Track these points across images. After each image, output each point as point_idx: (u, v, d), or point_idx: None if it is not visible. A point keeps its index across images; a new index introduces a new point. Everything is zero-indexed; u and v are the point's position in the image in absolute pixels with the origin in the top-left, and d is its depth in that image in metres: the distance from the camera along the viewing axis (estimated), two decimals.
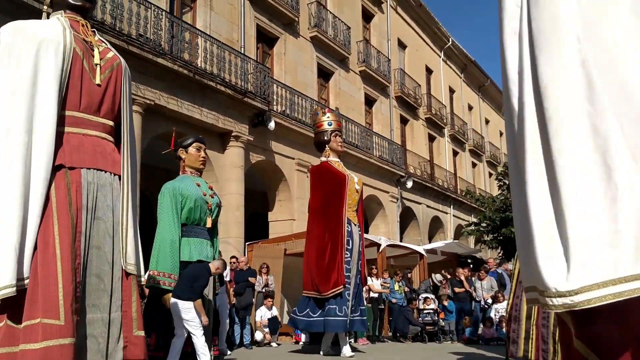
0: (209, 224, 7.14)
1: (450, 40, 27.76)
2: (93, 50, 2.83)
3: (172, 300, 5.95)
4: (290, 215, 15.68)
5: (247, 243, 13.05)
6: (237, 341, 9.78)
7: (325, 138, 6.86)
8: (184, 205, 6.73)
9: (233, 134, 13.33)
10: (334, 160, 6.83)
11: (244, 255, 12.03)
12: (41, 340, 2.43)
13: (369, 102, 21.37)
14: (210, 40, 13.02)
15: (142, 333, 2.82)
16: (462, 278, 11.86)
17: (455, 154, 28.76)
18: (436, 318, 11.46)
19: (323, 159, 6.82)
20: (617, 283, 1.33)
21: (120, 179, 2.89)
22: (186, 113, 12.07)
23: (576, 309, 1.37)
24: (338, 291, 6.26)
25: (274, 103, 15.07)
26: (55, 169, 2.65)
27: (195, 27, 13.18)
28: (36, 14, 9.96)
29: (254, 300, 10.27)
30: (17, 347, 2.47)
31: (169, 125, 10.66)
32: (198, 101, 12.40)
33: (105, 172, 2.84)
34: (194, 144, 7.39)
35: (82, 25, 2.87)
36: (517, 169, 1.61)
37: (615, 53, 1.47)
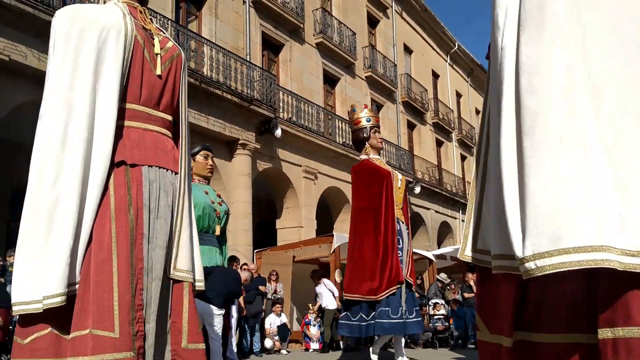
0: (217, 232, 7.11)
1: (456, 44, 27.74)
2: (153, 39, 2.61)
3: (202, 303, 5.98)
4: (298, 222, 15.65)
5: (255, 250, 13.03)
6: (247, 349, 9.75)
7: (365, 135, 6.62)
8: None
9: (240, 141, 13.34)
10: (374, 157, 6.64)
11: (253, 262, 12.01)
12: (91, 354, 2.22)
13: (376, 107, 21.36)
14: (216, 49, 13.06)
15: (194, 346, 2.53)
16: (472, 283, 11.77)
17: (463, 158, 28.68)
18: (447, 324, 11.37)
19: (363, 156, 6.61)
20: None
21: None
22: (192, 122, 12.08)
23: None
24: (392, 291, 6.02)
25: (280, 110, 15.08)
26: (114, 165, 2.44)
27: (200, 36, 13.23)
28: (37, 23, 9.91)
29: (263, 307, 10.24)
30: (65, 359, 2.29)
31: None
32: (204, 109, 12.43)
33: (167, 170, 2.63)
34: (201, 152, 7.39)
35: (140, 12, 2.65)
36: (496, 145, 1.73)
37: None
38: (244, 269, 9.75)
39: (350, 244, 6.52)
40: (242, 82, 13.48)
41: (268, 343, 9.97)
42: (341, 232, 12.10)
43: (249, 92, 13.55)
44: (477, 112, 31.15)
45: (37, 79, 10.43)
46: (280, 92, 15.37)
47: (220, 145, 12.86)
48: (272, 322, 10.16)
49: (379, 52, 21.50)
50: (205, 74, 12.49)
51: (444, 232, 25.15)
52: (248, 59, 14.29)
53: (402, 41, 23.58)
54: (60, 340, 2.33)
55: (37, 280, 2.30)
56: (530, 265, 1.51)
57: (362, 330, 6.10)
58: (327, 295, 10.66)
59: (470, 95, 30.34)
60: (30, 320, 2.35)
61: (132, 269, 2.37)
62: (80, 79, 2.38)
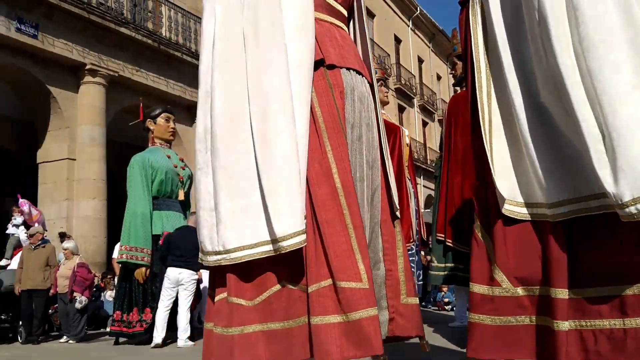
0: (181, 197, 6.95)
1: (418, 9, 27.57)
2: None
3: (182, 271, 5.92)
4: None
5: None
6: None
7: None
8: (154, 178, 6.51)
9: None
10: (381, 112, 6.42)
11: None
12: (344, 312, 1.76)
13: None
14: (175, 9, 12.56)
15: (413, 301, 2.08)
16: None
17: (424, 124, 28.83)
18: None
19: None
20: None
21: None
22: (152, 85, 11.69)
23: None
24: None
25: None
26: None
27: None
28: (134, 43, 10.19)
29: None
30: (251, 325, 1.88)
31: (134, 97, 10.30)
32: (163, 72, 12.02)
33: (362, 75, 2.21)
34: (163, 115, 7.15)
35: None
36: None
37: None
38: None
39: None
40: None
41: None
42: None
43: None
44: (439, 77, 31.27)
45: (132, 89, 11.01)
46: None
47: (180, 110, 12.49)
48: None
49: None
50: (164, 35, 12.03)
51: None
52: None
53: (365, 5, 23.24)
54: (298, 295, 1.88)
55: (256, 220, 1.89)
56: (631, 209, 1.51)
57: None
58: None
59: (432, 61, 30.36)
60: (252, 273, 1.94)
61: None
62: None
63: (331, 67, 2.07)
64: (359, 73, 2.16)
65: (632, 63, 1.57)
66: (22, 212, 8.85)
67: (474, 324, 1.84)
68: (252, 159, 1.92)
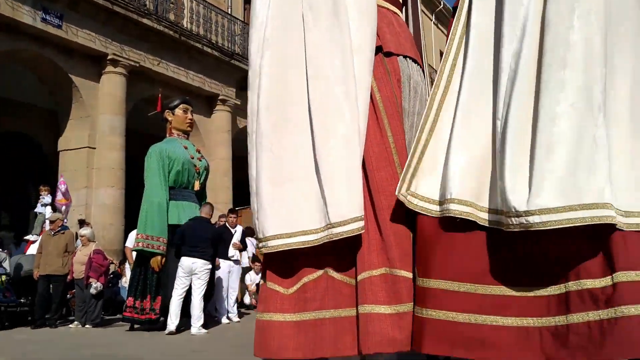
0: (197, 187, 7.05)
1: (441, 3, 27.33)
2: None
3: (195, 260, 6.02)
4: None
5: (236, 208, 12.94)
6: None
7: None
8: (171, 168, 6.60)
9: (220, 97, 13.09)
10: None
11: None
12: (407, 300, 1.73)
13: None
14: (197, 1, 12.64)
15: None
16: None
17: None
18: None
19: None
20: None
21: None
22: (172, 76, 11.80)
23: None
24: None
25: None
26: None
27: None
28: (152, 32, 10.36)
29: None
30: (283, 314, 1.85)
31: (154, 88, 10.42)
32: (184, 63, 12.12)
33: (417, 64, 2.14)
34: (181, 106, 7.24)
35: None
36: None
37: None
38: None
39: None
40: (223, 35, 13.13)
41: (247, 299, 10.01)
42: None
43: (230, 46, 13.23)
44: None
45: (153, 80, 11.27)
46: None
47: (199, 101, 12.60)
48: (252, 278, 10.16)
49: None
50: (185, 26, 12.12)
51: None
52: (229, 12, 13.88)
53: None
54: (338, 286, 1.83)
55: (300, 207, 1.83)
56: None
57: None
58: None
59: None
60: (288, 260, 1.88)
61: None
62: None
63: (389, 54, 2.02)
64: (414, 61, 2.12)
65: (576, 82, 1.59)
66: (58, 190, 9.08)
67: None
68: (304, 143, 1.85)
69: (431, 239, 1.74)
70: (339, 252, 1.82)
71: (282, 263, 1.89)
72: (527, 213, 1.55)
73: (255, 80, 1.98)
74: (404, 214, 1.81)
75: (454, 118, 1.79)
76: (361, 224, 1.73)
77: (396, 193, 1.79)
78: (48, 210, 8.83)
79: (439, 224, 1.74)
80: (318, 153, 1.81)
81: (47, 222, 7.94)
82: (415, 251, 1.80)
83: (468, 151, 1.74)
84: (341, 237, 1.73)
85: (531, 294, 1.64)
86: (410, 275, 1.77)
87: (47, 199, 9.07)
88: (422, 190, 1.78)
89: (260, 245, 1.89)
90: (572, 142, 1.56)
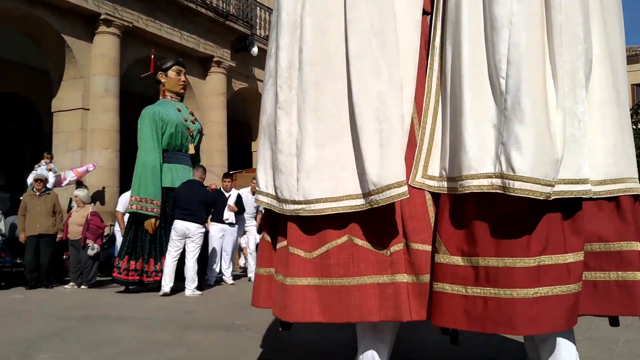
0: (191, 150, 7.03)
1: None
2: None
3: (189, 224, 6.06)
4: None
5: (231, 172, 12.96)
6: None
7: None
8: (164, 131, 6.58)
9: (214, 59, 12.92)
10: None
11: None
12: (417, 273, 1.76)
13: None
14: None
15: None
16: None
17: None
18: None
19: None
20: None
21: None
22: (165, 36, 11.62)
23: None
24: None
25: (257, 27, 14.56)
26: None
27: None
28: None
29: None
30: (306, 278, 1.83)
31: (148, 49, 10.27)
32: (178, 24, 11.92)
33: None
34: (174, 67, 7.16)
35: None
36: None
37: None
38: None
39: None
40: None
41: (242, 261, 10.10)
42: None
43: (224, 6, 12.99)
44: None
45: (147, 40, 11.00)
46: (258, 8, 14.77)
47: (194, 62, 12.45)
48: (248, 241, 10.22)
49: None
50: None
51: None
52: None
53: None
54: (363, 253, 1.80)
55: (345, 171, 1.79)
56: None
57: None
58: None
59: None
60: (314, 225, 1.83)
61: None
62: None
63: (427, 12, 1.95)
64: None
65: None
66: (86, 168, 9.31)
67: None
68: (347, 103, 1.78)
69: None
70: (365, 221, 1.79)
71: (303, 227, 1.86)
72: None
73: (295, 31, 1.86)
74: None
75: (461, 93, 1.76)
76: (404, 189, 1.67)
77: (409, 182, 1.79)
78: (50, 175, 8.86)
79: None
80: (355, 113, 1.74)
81: (31, 181, 7.83)
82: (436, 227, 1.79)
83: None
84: (383, 204, 1.69)
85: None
86: (427, 247, 1.78)
87: (43, 167, 9.06)
88: (432, 170, 1.85)
89: (299, 207, 1.83)
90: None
